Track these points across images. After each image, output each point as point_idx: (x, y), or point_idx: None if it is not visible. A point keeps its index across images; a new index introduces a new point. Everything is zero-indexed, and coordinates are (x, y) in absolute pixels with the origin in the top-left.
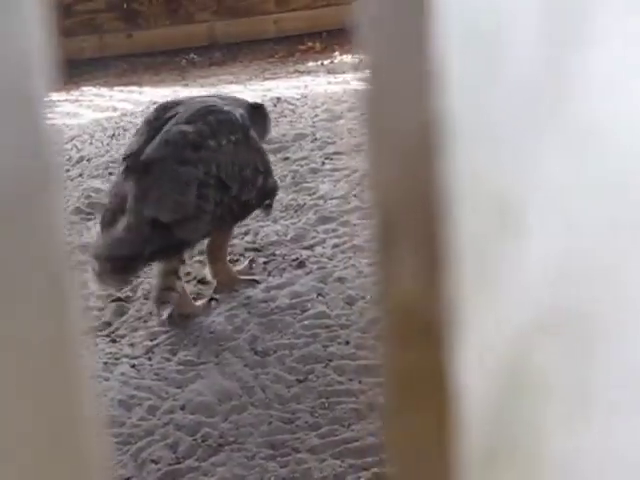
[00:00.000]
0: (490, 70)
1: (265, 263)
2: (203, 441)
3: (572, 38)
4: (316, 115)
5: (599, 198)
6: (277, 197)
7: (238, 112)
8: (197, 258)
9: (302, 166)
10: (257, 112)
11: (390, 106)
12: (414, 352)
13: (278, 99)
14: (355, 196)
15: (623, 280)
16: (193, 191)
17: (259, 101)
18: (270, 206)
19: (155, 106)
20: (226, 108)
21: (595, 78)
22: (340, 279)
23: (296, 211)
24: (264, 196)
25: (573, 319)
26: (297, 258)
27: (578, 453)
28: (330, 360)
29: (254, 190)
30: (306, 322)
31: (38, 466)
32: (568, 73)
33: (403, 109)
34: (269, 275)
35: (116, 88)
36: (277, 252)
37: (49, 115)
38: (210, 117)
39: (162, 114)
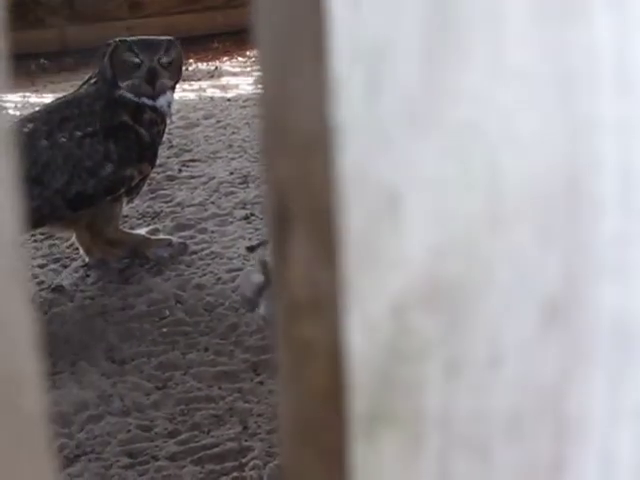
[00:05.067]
0: (376, 81)
1: (122, 270)
2: (59, 452)
3: (448, 55)
4: (171, 122)
5: (469, 190)
6: (133, 205)
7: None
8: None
9: (158, 173)
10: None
11: (287, 108)
12: (307, 327)
13: None
14: (212, 203)
15: (487, 260)
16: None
17: None
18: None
19: None
20: (86, 101)
21: (466, 88)
22: (198, 286)
23: (153, 218)
24: (115, 184)
25: (445, 292)
26: (155, 265)
27: (451, 407)
28: (189, 367)
29: (92, 180)
30: (164, 329)
31: None
32: (444, 84)
33: (299, 111)
34: (126, 283)
35: None
36: (135, 259)
37: None
38: (55, 115)
39: None
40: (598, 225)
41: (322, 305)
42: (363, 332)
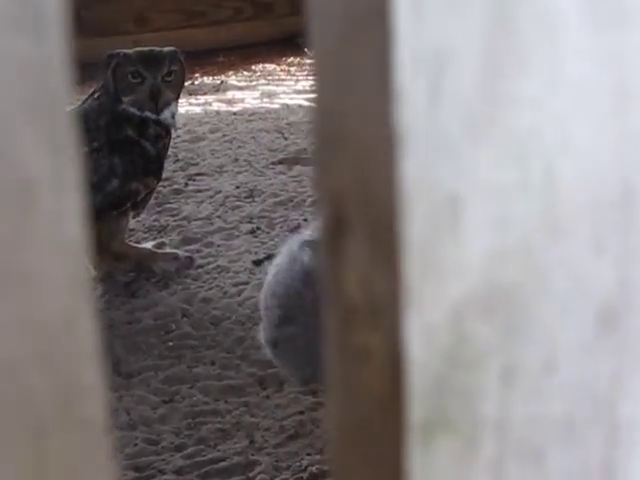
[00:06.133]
0: (438, 89)
1: (128, 284)
2: None
3: (507, 64)
4: (178, 136)
5: (527, 197)
6: (140, 218)
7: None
8: None
9: (165, 187)
10: None
11: (346, 117)
12: (363, 333)
13: None
14: (218, 217)
15: (544, 267)
16: None
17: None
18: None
19: None
20: (91, 115)
21: (525, 96)
22: (205, 300)
23: (159, 232)
24: (121, 199)
25: (502, 299)
26: (161, 279)
27: (507, 413)
28: (196, 381)
29: (98, 195)
30: (171, 343)
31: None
32: (502, 92)
33: (360, 120)
34: (133, 296)
35: None
36: (141, 273)
37: None
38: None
39: None
40: None
41: (380, 311)
42: (422, 338)
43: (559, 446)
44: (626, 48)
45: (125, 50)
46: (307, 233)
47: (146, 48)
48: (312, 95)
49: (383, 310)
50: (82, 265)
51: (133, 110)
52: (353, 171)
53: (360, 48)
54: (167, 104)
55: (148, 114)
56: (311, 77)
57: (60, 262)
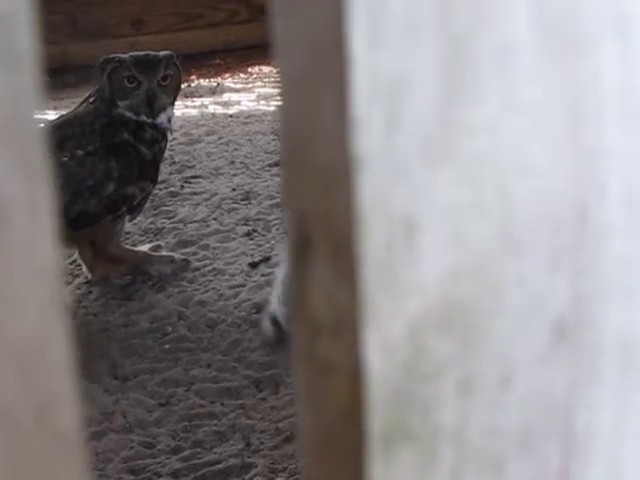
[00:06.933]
0: (394, 116)
1: (124, 287)
2: None
3: (462, 91)
4: (174, 139)
5: (482, 217)
6: (136, 221)
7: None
8: None
9: (161, 190)
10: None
11: (309, 142)
12: (327, 347)
13: None
14: (214, 219)
15: (499, 283)
16: None
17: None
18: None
19: None
20: (87, 119)
21: (480, 121)
22: (201, 302)
23: (155, 235)
24: (116, 203)
25: (458, 314)
26: (157, 282)
27: (464, 424)
28: (192, 383)
29: (94, 199)
30: (167, 346)
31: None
32: (458, 118)
33: (321, 144)
34: (129, 299)
35: None
36: (137, 276)
37: None
38: (55, 134)
39: None
40: (604, 249)
41: (341, 326)
42: (381, 352)
43: (517, 456)
44: (579, 73)
45: (120, 55)
46: None
47: (142, 52)
48: (279, 118)
49: (345, 326)
50: (56, 286)
51: (129, 114)
52: (316, 193)
53: (320, 76)
54: (163, 108)
55: (144, 118)
56: (278, 100)
57: (34, 284)
